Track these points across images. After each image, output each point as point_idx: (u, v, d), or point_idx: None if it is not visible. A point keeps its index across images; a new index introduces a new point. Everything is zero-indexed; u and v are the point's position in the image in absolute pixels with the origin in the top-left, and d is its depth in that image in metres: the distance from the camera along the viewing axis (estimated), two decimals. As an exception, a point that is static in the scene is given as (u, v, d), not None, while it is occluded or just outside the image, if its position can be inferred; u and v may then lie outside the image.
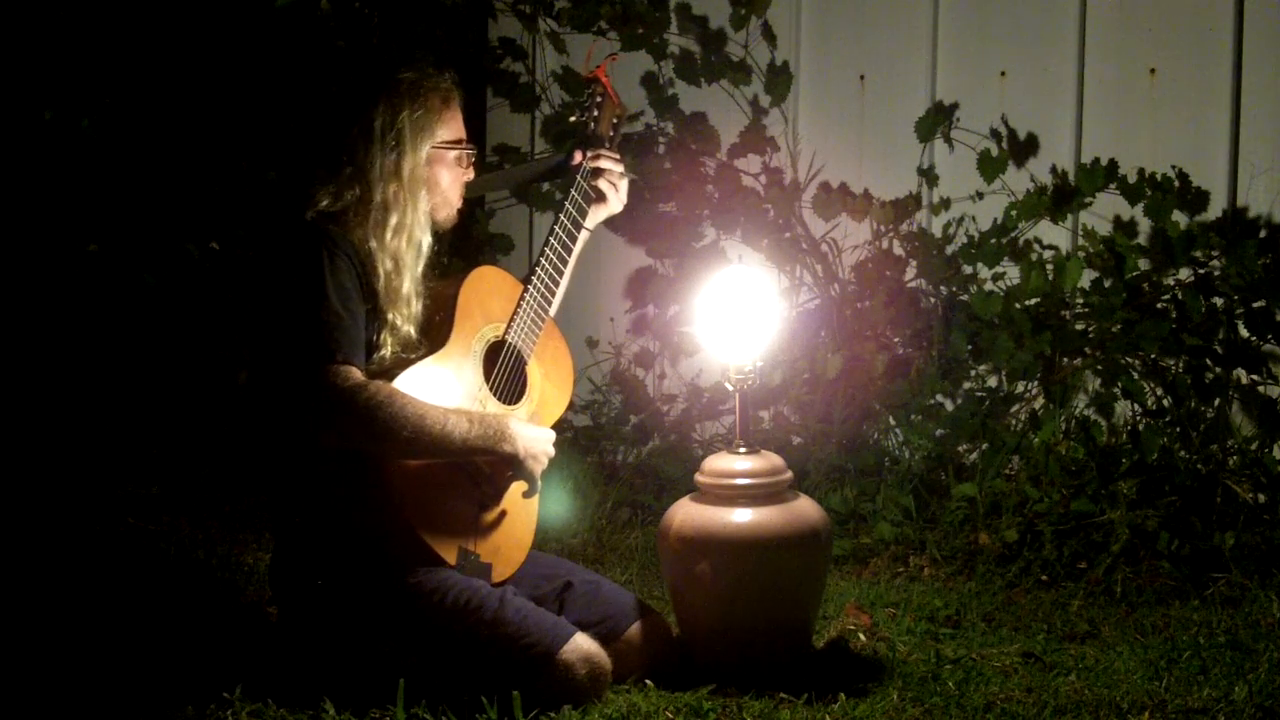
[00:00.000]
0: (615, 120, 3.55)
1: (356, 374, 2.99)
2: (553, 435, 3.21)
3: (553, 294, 3.32)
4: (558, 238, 3.35)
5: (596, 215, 3.47)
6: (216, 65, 4.92)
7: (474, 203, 5.06)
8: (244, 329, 4.84)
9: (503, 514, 3.18)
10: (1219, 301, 4.45)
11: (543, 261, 3.31)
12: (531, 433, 3.15)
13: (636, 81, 5.11)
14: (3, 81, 4.76)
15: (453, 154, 3.22)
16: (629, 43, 5.01)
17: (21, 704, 3.10)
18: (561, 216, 3.37)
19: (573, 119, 3.56)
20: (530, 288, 3.27)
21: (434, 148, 3.18)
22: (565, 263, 3.36)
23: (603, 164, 3.44)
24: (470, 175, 3.29)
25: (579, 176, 3.43)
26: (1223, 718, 3.06)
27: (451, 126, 3.22)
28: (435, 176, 3.20)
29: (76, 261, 4.85)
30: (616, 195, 3.47)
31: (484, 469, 3.12)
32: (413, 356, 3.10)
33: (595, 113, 3.50)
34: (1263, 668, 3.32)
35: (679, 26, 5.11)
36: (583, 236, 3.45)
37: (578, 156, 3.45)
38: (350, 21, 5.08)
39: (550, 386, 3.33)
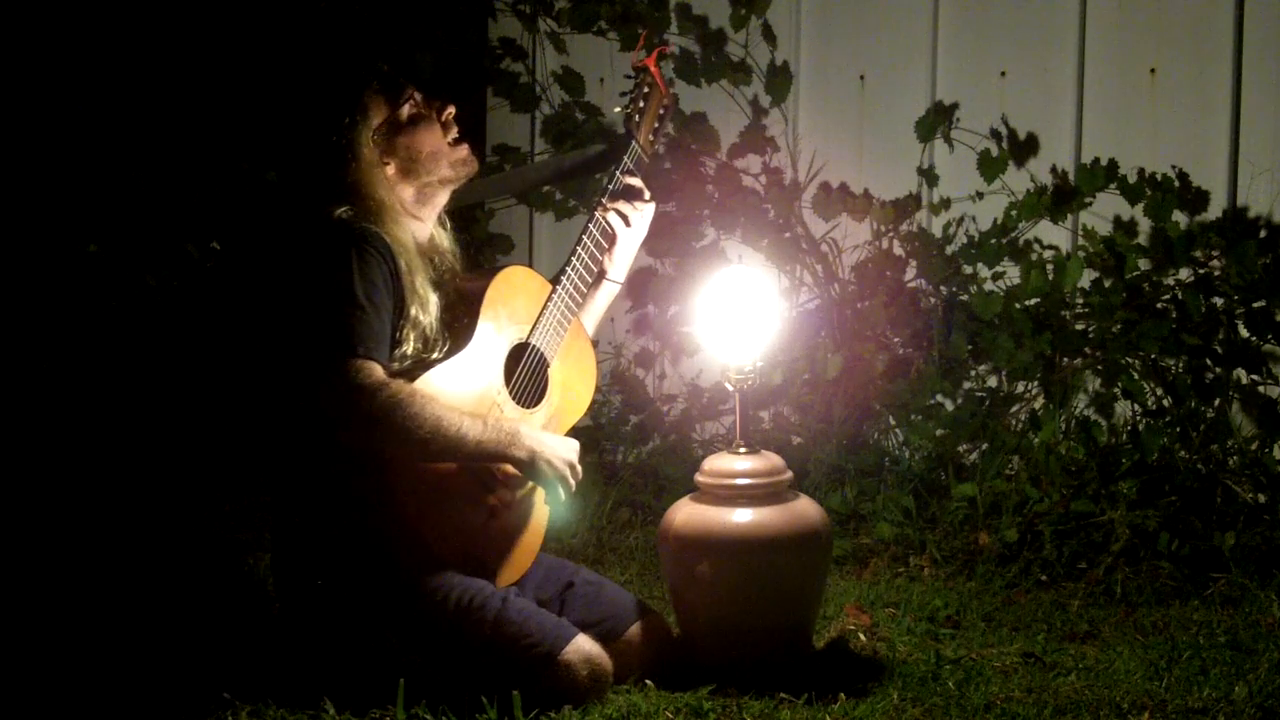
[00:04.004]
0: (662, 111, 3.52)
1: (378, 370, 2.96)
2: (575, 445, 3.16)
3: (582, 295, 3.29)
4: (591, 236, 3.32)
5: (625, 238, 3.42)
6: (216, 66, 4.93)
7: (474, 203, 5.05)
8: (247, 327, 4.84)
9: (514, 522, 3.17)
10: (1219, 301, 4.44)
11: (574, 262, 3.28)
12: (549, 440, 3.12)
13: (637, 81, 5.10)
14: (2, 82, 4.77)
15: (405, 111, 3.16)
16: (629, 42, 5.01)
17: (22, 704, 3.11)
18: (597, 215, 3.34)
19: (618, 109, 3.52)
20: (559, 289, 3.25)
21: (380, 124, 3.13)
22: (598, 263, 3.35)
23: (631, 181, 3.40)
24: (452, 127, 3.20)
25: (604, 192, 3.38)
26: (1223, 718, 3.06)
27: (384, 105, 3.15)
28: (412, 145, 3.15)
29: (76, 261, 4.85)
30: (638, 222, 3.42)
31: (497, 475, 3.12)
32: (433, 356, 3.08)
33: (642, 103, 3.48)
34: (1263, 668, 3.31)
35: (679, 26, 5.11)
36: (623, 242, 3.40)
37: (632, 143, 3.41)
38: (349, 23, 5.08)
39: (571, 389, 3.30)
